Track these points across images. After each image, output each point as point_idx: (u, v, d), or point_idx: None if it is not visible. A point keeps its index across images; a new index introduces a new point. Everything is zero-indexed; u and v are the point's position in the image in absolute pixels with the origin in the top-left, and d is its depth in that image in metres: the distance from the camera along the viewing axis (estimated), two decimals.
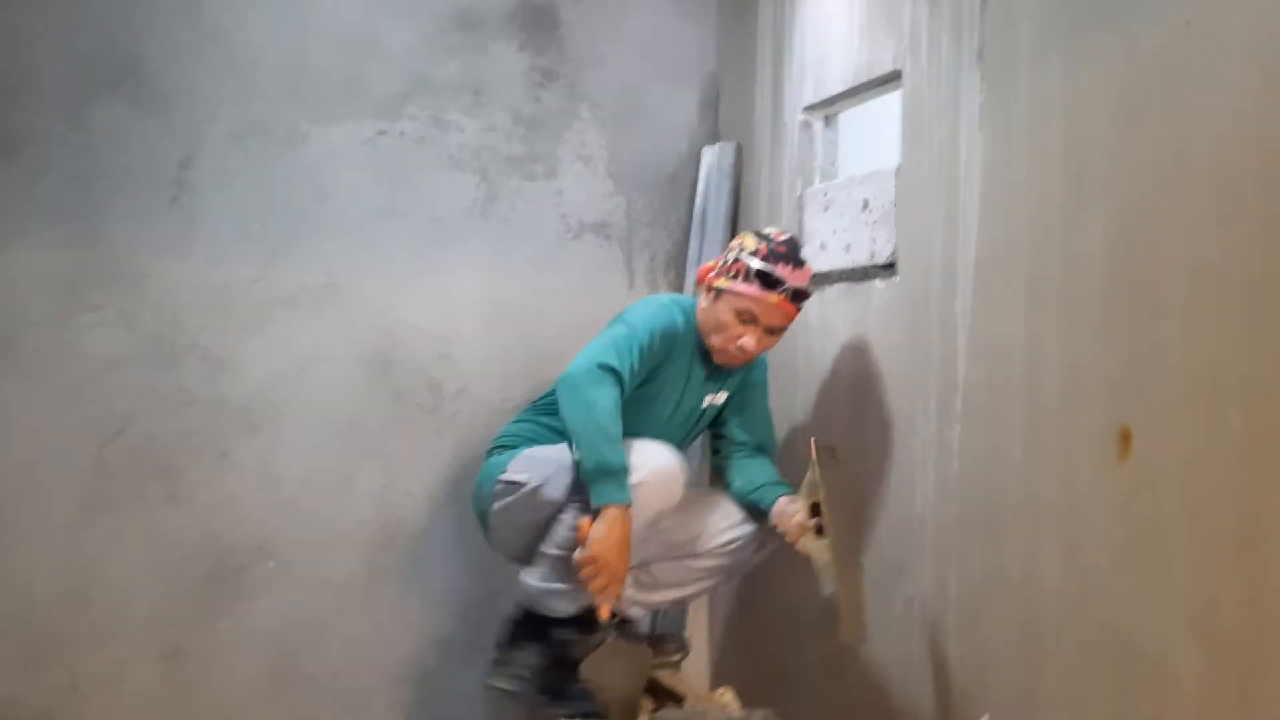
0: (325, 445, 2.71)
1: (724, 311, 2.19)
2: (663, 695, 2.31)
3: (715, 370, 2.31)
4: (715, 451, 2.48)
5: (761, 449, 2.40)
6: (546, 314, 2.81)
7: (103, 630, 2.54)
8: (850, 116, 2.60)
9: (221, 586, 2.63)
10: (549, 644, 2.22)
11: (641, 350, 2.14)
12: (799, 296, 2.20)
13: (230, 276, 2.64)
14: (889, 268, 2.23)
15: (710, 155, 2.91)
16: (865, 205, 2.31)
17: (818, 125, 2.58)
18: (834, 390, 2.42)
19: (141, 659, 2.57)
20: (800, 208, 2.57)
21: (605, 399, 2.05)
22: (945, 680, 2.01)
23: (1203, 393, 1.52)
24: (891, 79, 2.27)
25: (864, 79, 2.35)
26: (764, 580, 2.68)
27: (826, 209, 2.46)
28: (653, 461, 2.11)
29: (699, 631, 2.85)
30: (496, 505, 2.22)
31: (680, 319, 2.24)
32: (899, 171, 2.21)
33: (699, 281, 2.30)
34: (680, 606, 2.63)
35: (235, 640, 2.64)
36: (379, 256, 2.74)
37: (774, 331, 2.22)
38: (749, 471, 2.34)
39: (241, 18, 2.64)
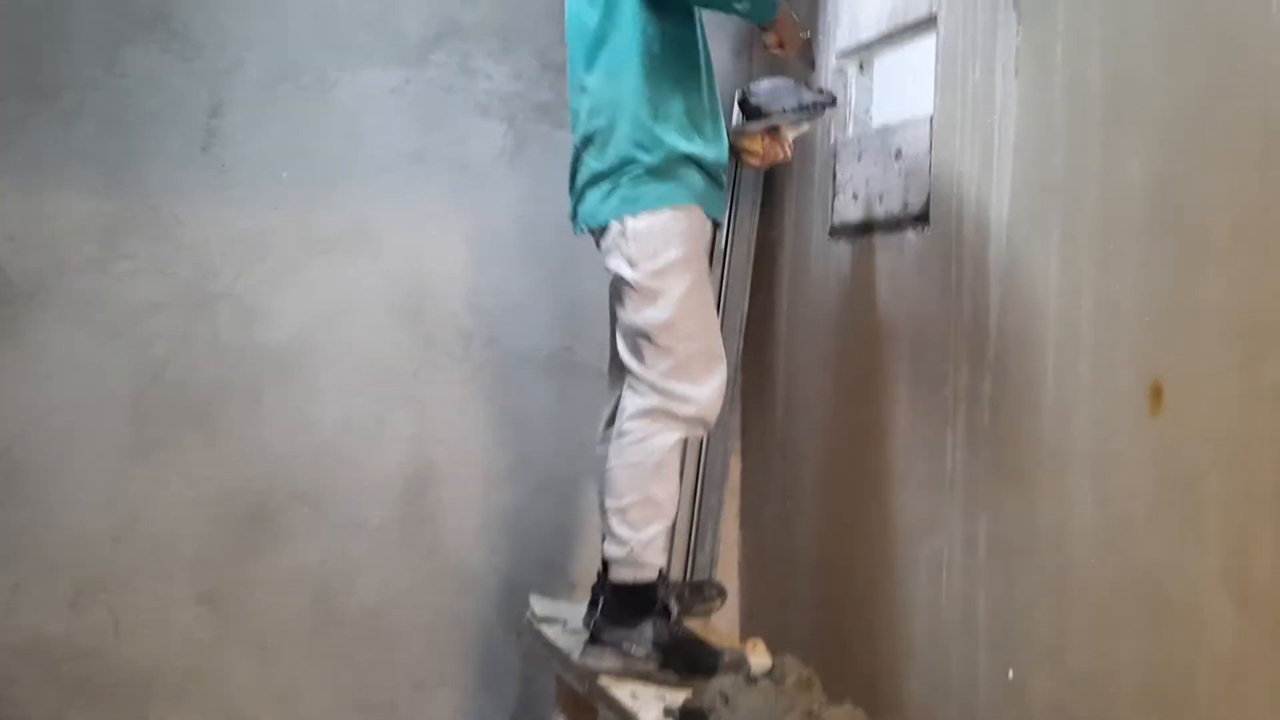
0: (357, 392, 2.74)
1: None
2: None
3: None
4: None
5: None
6: (576, 262, 2.80)
7: (144, 571, 2.60)
8: (885, 63, 2.55)
9: (259, 530, 2.68)
10: (664, 611, 2.10)
11: None
12: None
13: (263, 224, 2.65)
14: (922, 218, 2.20)
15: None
16: (898, 154, 2.28)
17: (852, 72, 2.54)
18: (866, 341, 2.40)
19: (182, 599, 2.63)
20: (833, 156, 2.54)
21: None
22: (974, 630, 2.02)
23: (1240, 343, 1.50)
24: (926, 23, 2.22)
25: (899, 23, 2.30)
26: (793, 532, 2.69)
27: (860, 158, 2.43)
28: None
29: (729, 583, 2.87)
30: None
31: None
32: (933, 119, 2.17)
33: None
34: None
35: (273, 582, 2.69)
36: (409, 204, 2.75)
37: None
38: None
39: None
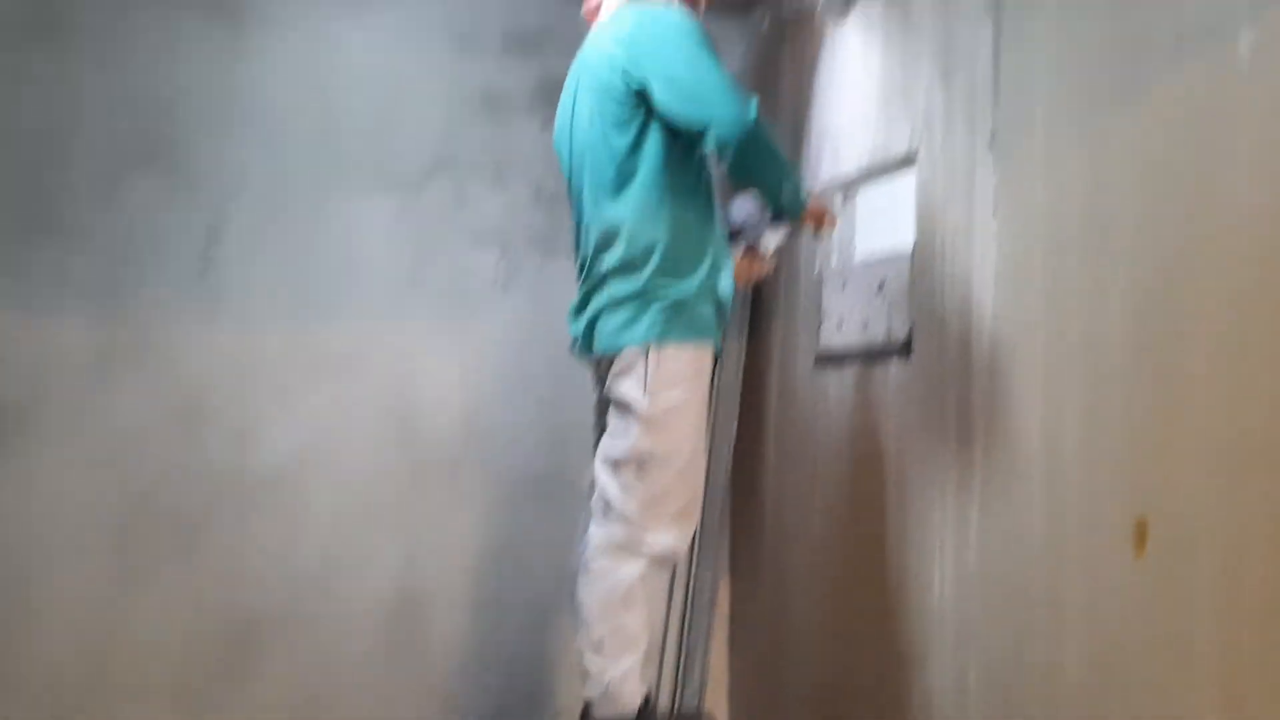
0: (345, 517, 2.73)
1: None
2: None
3: None
4: None
5: None
6: (565, 387, 2.82)
7: (125, 698, 2.55)
8: (868, 196, 2.62)
9: (242, 656, 2.64)
10: None
11: None
12: None
13: (256, 349, 2.68)
14: (905, 348, 2.23)
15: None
16: (881, 285, 2.32)
17: (835, 202, 2.60)
18: (853, 470, 2.41)
19: None
20: (818, 285, 2.59)
21: (775, 139, 2.07)
22: None
23: (1224, 484, 1.51)
24: (907, 160, 2.29)
25: (880, 159, 2.37)
26: (782, 660, 2.65)
27: (844, 287, 2.48)
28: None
29: (718, 712, 2.82)
30: None
31: None
32: (914, 253, 2.22)
33: None
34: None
35: (255, 709, 2.63)
36: (401, 329, 2.78)
37: None
38: None
39: (271, 95, 2.71)
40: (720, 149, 1.99)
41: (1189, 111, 1.60)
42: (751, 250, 2.37)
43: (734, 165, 2.02)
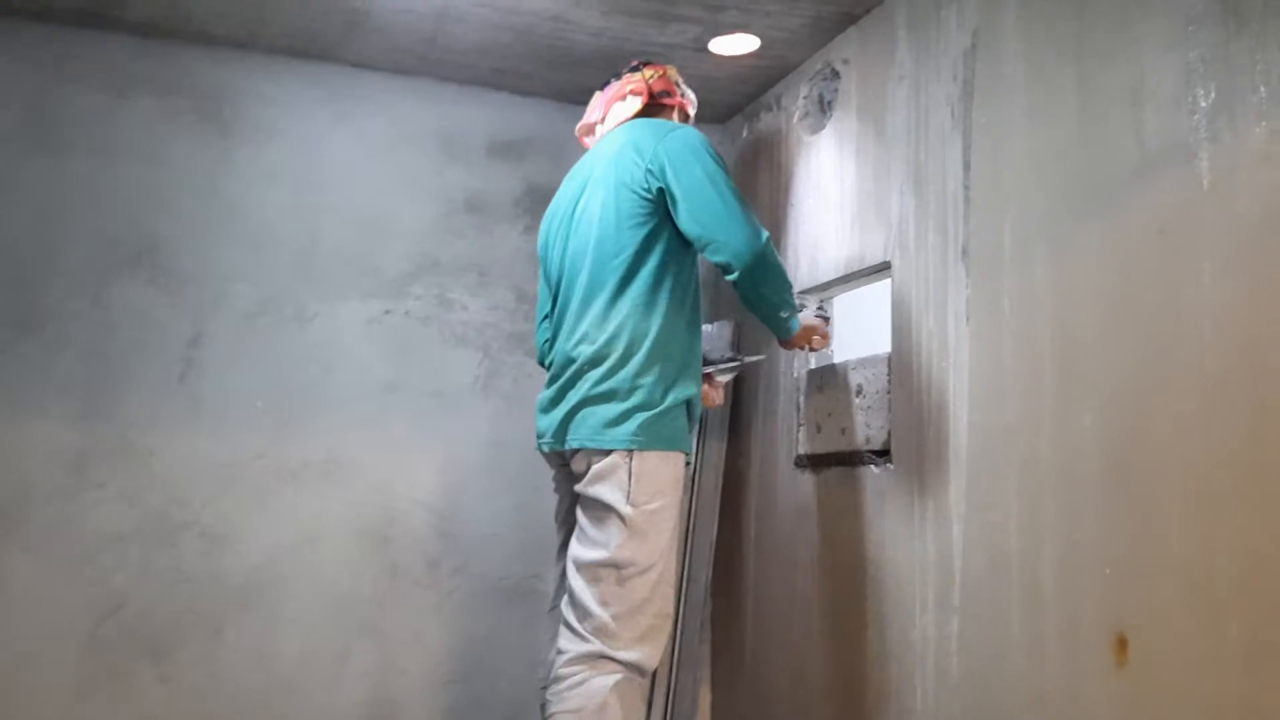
0: (320, 623, 2.68)
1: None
2: None
3: None
4: None
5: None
6: (544, 490, 2.81)
7: None
8: (845, 302, 2.66)
9: None
10: None
11: None
12: None
13: (234, 452, 2.66)
14: (884, 453, 2.24)
15: (712, 330, 2.96)
16: (859, 390, 2.34)
17: (812, 308, 2.64)
18: (832, 574, 2.40)
19: None
20: (797, 388, 2.61)
21: (781, 265, 2.12)
22: None
23: (1201, 602, 1.51)
24: (882, 268, 2.33)
25: (855, 267, 2.41)
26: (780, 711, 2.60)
27: (821, 390, 2.50)
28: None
29: None
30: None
31: None
32: (890, 359, 2.24)
33: (663, 106, 2.31)
34: None
35: None
36: (381, 431, 2.77)
37: None
38: None
39: (258, 199, 2.75)
40: (728, 267, 2.04)
41: (1153, 225, 1.64)
42: (708, 378, 2.44)
43: (739, 283, 2.06)
